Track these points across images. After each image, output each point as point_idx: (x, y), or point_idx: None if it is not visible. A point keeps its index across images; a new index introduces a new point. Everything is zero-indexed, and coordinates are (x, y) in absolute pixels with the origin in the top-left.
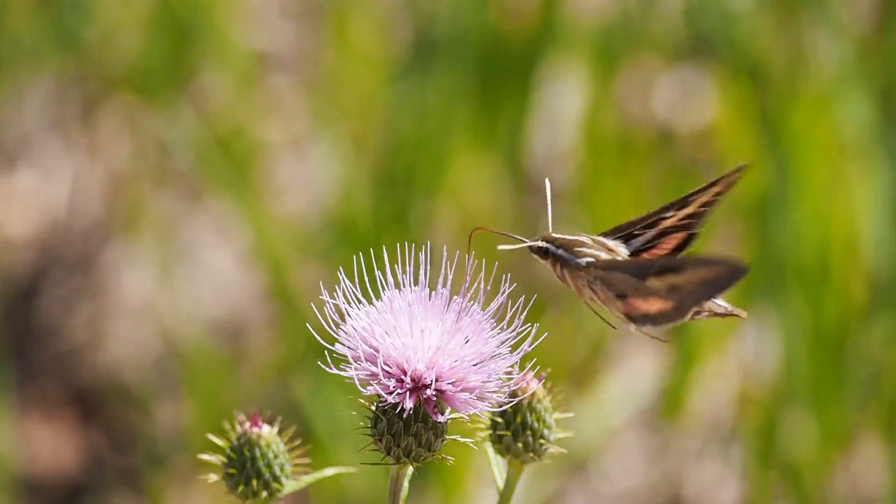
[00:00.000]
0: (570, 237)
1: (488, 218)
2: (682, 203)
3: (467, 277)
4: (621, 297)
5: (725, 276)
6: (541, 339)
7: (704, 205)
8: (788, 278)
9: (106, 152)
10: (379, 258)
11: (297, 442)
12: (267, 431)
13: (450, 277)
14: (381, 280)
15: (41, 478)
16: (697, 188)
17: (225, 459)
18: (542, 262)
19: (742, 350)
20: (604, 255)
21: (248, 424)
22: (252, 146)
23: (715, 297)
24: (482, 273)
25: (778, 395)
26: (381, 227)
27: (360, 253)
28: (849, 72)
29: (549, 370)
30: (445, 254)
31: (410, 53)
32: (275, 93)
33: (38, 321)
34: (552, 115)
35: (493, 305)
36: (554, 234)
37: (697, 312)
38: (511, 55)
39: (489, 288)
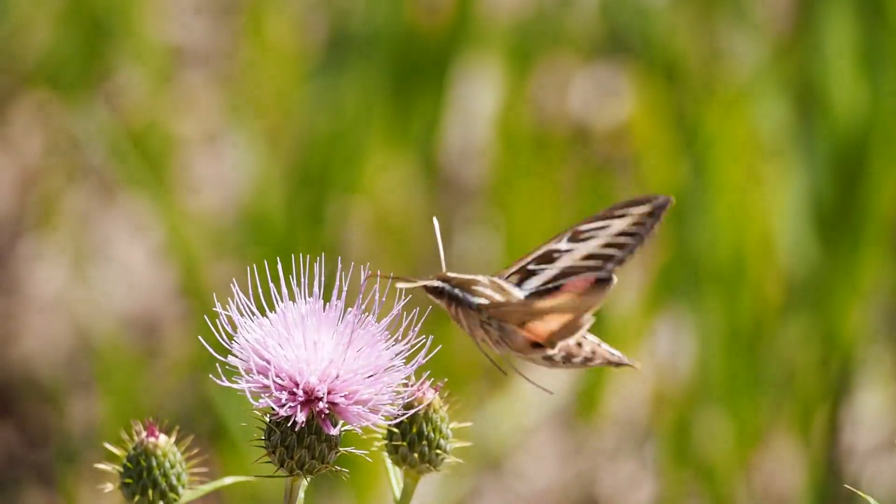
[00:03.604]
0: (467, 276)
1: (402, 215)
2: (574, 235)
3: (362, 289)
4: (522, 325)
5: (595, 288)
6: (436, 351)
7: (612, 245)
8: (703, 278)
9: (18, 148)
10: (286, 264)
11: (196, 451)
12: (163, 441)
13: (345, 289)
14: (274, 293)
15: None
16: (591, 217)
17: (121, 469)
18: (437, 301)
19: (657, 349)
20: (498, 297)
21: (144, 434)
22: (166, 142)
23: (601, 301)
24: (376, 284)
25: (692, 395)
26: (295, 225)
27: (271, 254)
28: (765, 72)
29: (445, 380)
30: (340, 265)
31: (325, 50)
32: (189, 88)
33: None
34: (467, 113)
35: (389, 317)
36: (449, 274)
37: (590, 360)
38: (426, 52)
39: (384, 300)
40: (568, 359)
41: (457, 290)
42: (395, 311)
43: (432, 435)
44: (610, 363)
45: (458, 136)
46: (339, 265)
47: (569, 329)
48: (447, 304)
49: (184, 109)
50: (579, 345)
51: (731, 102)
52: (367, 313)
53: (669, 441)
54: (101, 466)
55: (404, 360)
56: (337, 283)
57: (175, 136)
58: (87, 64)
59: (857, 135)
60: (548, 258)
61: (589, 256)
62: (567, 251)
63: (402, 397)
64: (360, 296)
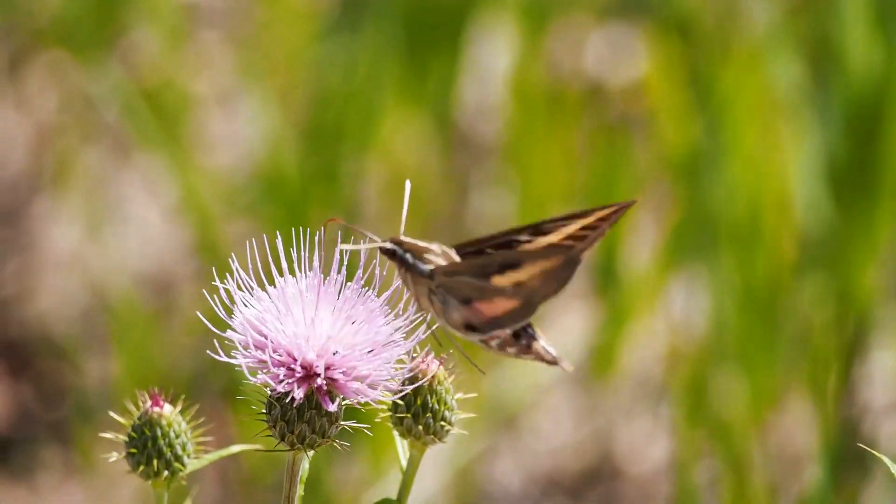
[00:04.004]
0: (421, 244)
1: (417, 173)
2: (537, 229)
3: (361, 264)
4: (466, 302)
5: (562, 267)
6: (435, 326)
7: (572, 237)
8: (719, 236)
9: (33, 106)
10: (287, 237)
11: (203, 419)
12: (168, 411)
13: (345, 262)
14: (273, 268)
15: None
16: (559, 216)
17: (126, 438)
18: (391, 262)
19: (672, 307)
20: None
21: (149, 403)
22: (180, 100)
23: (559, 291)
24: (377, 259)
25: (708, 353)
26: (309, 183)
27: (285, 212)
28: (780, 29)
29: (450, 352)
30: (340, 236)
31: (340, 9)
32: (204, 47)
33: None
34: (482, 71)
35: (389, 291)
36: (403, 238)
37: (524, 353)
38: (441, 10)
39: (384, 274)
40: (503, 347)
41: (408, 255)
42: (395, 285)
43: (437, 407)
44: (543, 360)
45: (473, 94)
46: (339, 238)
47: (511, 318)
48: (398, 267)
49: (198, 68)
50: (516, 336)
51: (745, 60)
52: (367, 287)
53: (684, 399)
54: (106, 435)
55: (404, 335)
56: (336, 255)
57: (189, 94)
58: (102, 22)
59: (872, 93)
60: (506, 245)
61: (550, 246)
62: (527, 241)
63: (403, 372)
64: (361, 270)
